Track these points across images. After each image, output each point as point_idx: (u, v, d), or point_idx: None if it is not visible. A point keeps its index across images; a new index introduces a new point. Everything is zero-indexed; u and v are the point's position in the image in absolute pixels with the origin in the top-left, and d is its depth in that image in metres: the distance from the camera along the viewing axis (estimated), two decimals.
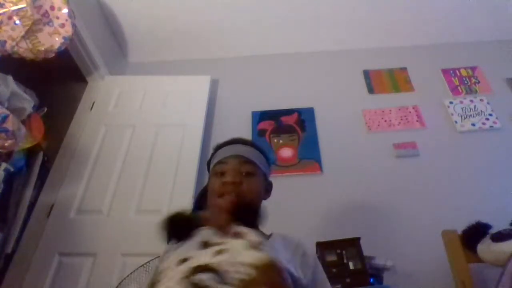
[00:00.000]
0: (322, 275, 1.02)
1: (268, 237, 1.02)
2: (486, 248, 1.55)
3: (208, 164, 1.16)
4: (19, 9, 1.65)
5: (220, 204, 0.97)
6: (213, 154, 1.13)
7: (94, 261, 1.92)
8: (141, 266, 1.64)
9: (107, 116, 2.49)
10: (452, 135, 2.51)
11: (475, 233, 1.63)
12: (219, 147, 1.13)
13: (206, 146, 2.47)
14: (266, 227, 1.06)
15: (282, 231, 1.08)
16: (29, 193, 1.95)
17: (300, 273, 0.94)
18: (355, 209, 2.19)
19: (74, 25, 1.85)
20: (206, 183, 1.14)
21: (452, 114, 2.59)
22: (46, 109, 2.01)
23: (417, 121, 2.58)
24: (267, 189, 1.11)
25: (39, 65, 1.84)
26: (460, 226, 1.69)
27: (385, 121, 2.59)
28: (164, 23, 2.87)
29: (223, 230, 0.93)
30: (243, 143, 1.10)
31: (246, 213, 0.99)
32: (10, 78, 1.75)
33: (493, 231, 1.59)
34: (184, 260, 0.84)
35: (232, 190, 0.97)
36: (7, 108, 1.64)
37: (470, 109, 2.61)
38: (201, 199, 1.14)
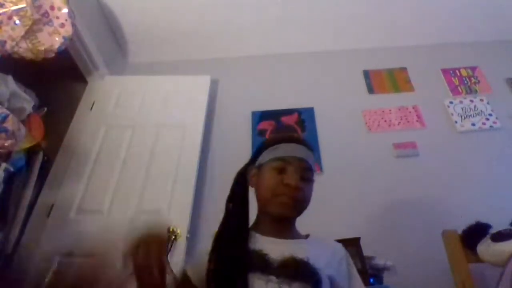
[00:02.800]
0: (358, 282, 1.05)
1: (306, 237, 1.07)
2: (486, 248, 1.55)
3: (259, 152, 1.10)
4: (19, 9, 1.66)
5: (280, 203, 0.98)
6: (272, 143, 1.08)
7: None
8: None
9: (107, 116, 2.49)
10: (452, 135, 2.51)
11: (475, 233, 1.63)
12: (281, 139, 1.09)
13: (206, 146, 2.47)
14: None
15: None
16: (29, 193, 1.95)
17: (339, 278, 0.99)
18: (355, 209, 2.19)
19: (74, 25, 1.86)
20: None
21: (452, 114, 2.59)
22: (46, 109, 2.01)
23: (417, 121, 2.58)
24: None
25: (39, 65, 1.84)
26: (460, 226, 1.69)
27: (385, 121, 2.59)
28: (164, 23, 2.87)
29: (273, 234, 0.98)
30: (306, 146, 1.09)
31: (298, 215, 1.04)
32: (10, 78, 1.75)
33: (493, 231, 1.59)
34: None
35: (292, 195, 0.98)
36: (7, 108, 1.64)
37: (470, 109, 2.61)
38: (241, 189, 1.09)
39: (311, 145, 1.13)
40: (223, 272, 0.91)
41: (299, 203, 1.00)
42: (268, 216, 1.02)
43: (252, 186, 1.08)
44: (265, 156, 1.06)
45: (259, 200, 1.05)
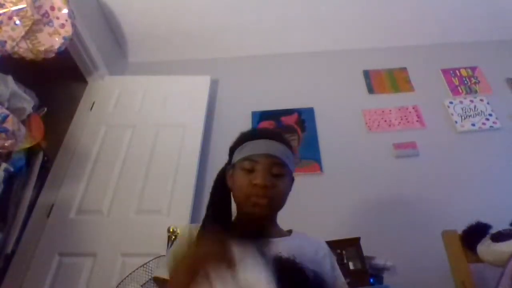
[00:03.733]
0: (340, 275, 1.06)
1: (289, 233, 1.07)
2: (486, 248, 1.55)
3: (232, 150, 1.08)
4: (19, 9, 1.65)
5: (254, 204, 0.96)
6: (240, 142, 1.06)
7: (94, 261, 1.92)
8: (141, 266, 1.64)
9: (107, 116, 2.49)
10: (452, 135, 2.51)
11: (475, 233, 1.63)
12: (248, 137, 1.06)
13: (206, 146, 2.47)
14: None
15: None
16: (29, 193, 1.95)
17: (323, 273, 0.98)
18: (355, 209, 2.19)
19: (74, 25, 1.85)
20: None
21: (452, 114, 2.59)
22: (46, 109, 2.01)
23: (417, 121, 2.58)
24: (290, 186, 1.07)
25: (39, 65, 1.84)
26: (460, 226, 1.70)
27: (385, 121, 2.59)
28: (164, 23, 2.87)
29: (250, 237, 0.94)
30: (274, 139, 1.03)
31: (274, 213, 1.03)
32: (10, 78, 1.75)
33: (493, 231, 1.59)
34: None
35: (263, 194, 0.95)
36: (7, 108, 1.64)
37: (470, 109, 2.61)
38: (220, 190, 1.08)
39: (283, 137, 1.07)
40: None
41: (272, 201, 0.97)
42: (246, 216, 1.00)
43: (231, 188, 1.05)
44: (236, 156, 1.04)
45: (235, 201, 1.03)
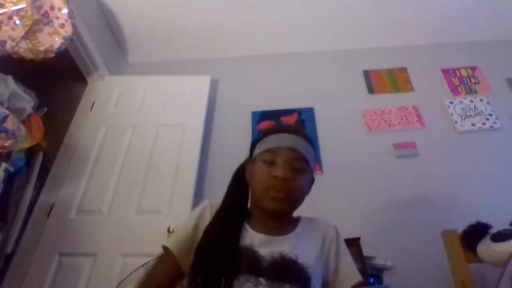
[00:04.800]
0: (347, 259, 1.03)
1: (296, 223, 1.04)
2: (486, 248, 1.55)
3: (253, 146, 1.07)
4: (19, 9, 1.65)
5: (272, 198, 0.94)
6: (263, 136, 1.04)
7: (94, 261, 1.92)
8: (141, 266, 1.64)
9: (107, 116, 2.49)
10: (452, 135, 2.51)
11: (475, 233, 1.63)
12: (271, 131, 1.04)
13: (206, 146, 2.47)
14: None
15: None
16: (29, 193, 1.95)
17: (327, 268, 0.98)
18: (355, 209, 2.19)
19: (74, 25, 1.85)
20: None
21: (452, 114, 2.59)
22: (46, 109, 2.01)
23: (417, 121, 2.58)
24: (310, 185, 1.06)
25: (39, 65, 1.84)
26: (460, 226, 1.69)
27: (385, 121, 2.59)
28: (164, 23, 2.87)
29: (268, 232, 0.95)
30: (298, 134, 1.02)
31: (292, 209, 1.01)
32: (10, 78, 1.75)
33: (493, 231, 1.59)
34: None
35: (282, 187, 0.93)
36: (7, 108, 1.64)
37: (470, 109, 2.61)
38: (238, 184, 1.07)
39: (306, 134, 1.06)
40: (210, 269, 0.88)
41: (291, 196, 0.95)
42: (261, 211, 0.98)
43: (249, 183, 1.04)
44: (257, 149, 1.03)
45: (253, 195, 1.01)
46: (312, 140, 1.07)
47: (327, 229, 1.05)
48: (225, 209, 1.01)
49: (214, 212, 1.01)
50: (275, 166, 0.95)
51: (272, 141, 1.00)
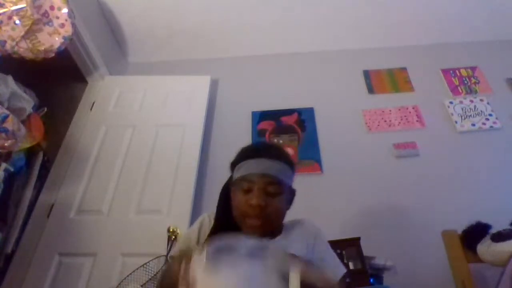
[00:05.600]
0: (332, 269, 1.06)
1: (281, 228, 1.10)
2: (486, 248, 1.55)
3: (233, 166, 1.12)
4: (19, 9, 1.65)
5: (249, 226, 1.02)
6: (239, 160, 1.09)
7: (94, 261, 1.92)
8: (141, 266, 1.65)
9: (107, 116, 2.49)
10: (452, 135, 2.51)
11: (475, 233, 1.63)
12: (246, 155, 1.09)
13: (206, 146, 2.47)
14: None
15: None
16: (29, 193, 1.95)
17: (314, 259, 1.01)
18: (355, 209, 2.19)
19: (74, 25, 1.85)
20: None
21: (452, 114, 2.59)
22: (46, 109, 2.01)
23: (417, 121, 2.58)
24: (290, 199, 1.12)
25: (39, 65, 1.84)
26: (460, 226, 1.70)
27: (385, 121, 2.59)
28: (164, 23, 2.87)
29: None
30: (272, 157, 1.06)
31: (271, 231, 1.06)
32: (10, 78, 1.75)
33: (493, 231, 1.59)
34: None
35: (258, 215, 1.00)
36: (7, 108, 1.64)
37: (470, 109, 2.61)
38: (225, 201, 1.13)
39: (280, 153, 1.10)
40: None
41: (268, 220, 1.01)
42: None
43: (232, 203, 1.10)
44: (235, 173, 1.09)
45: (235, 218, 1.07)
46: (287, 157, 1.11)
47: (309, 228, 1.13)
48: (217, 225, 1.09)
49: (212, 222, 1.11)
50: (251, 194, 1.01)
51: (247, 168, 1.05)
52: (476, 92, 2.73)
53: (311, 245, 1.07)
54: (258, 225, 1.00)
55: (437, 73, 2.87)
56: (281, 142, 2.52)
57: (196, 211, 2.10)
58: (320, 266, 1.02)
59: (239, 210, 1.04)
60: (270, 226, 1.05)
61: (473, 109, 2.61)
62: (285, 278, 0.84)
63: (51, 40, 1.79)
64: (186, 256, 0.90)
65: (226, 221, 1.08)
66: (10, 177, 1.79)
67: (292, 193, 1.12)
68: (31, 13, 1.68)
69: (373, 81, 2.85)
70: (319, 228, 1.14)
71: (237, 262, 0.82)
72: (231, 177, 1.13)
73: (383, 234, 2.06)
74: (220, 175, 1.19)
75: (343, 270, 1.09)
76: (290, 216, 1.13)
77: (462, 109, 2.61)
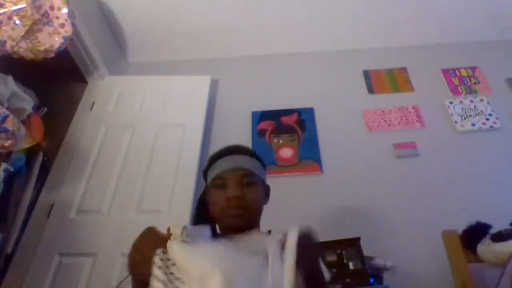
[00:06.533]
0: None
1: (268, 234, 1.07)
2: (486, 248, 1.55)
3: (205, 174, 1.16)
4: (19, 9, 1.66)
5: (231, 216, 1.01)
6: (209, 165, 1.14)
7: (94, 261, 1.92)
8: None
9: (107, 116, 2.49)
10: (452, 135, 2.51)
11: (475, 233, 1.63)
12: (215, 158, 1.13)
13: (206, 146, 2.47)
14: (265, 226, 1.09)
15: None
16: (29, 193, 1.95)
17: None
18: (355, 209, 2.19)
19: (74, 25, 1.85)
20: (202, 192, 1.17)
21: (452, 114, 2.59)
22: (46, 109, 2.01)
23: (417, 121, 2.58)
24: (266, 193, 1.14)
25: (39, 65, 1.84)
26: (460, 226, 1.69)
27: (385, 121, 2.59)
28: (164, 23, 2.87)
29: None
30: (239, 153, 1.11)
31: (252, 222, 1.06)
32: (10, 78, 1.75)
33: (493, 231, 1.59)
34: None
35: (237, 205, 1.01)
36: (7, 108, 1.64)
37: (470, 109, 2.61)
38: (201, 208, 1.16)
39: (248, 149, 1.15)
40: None
41: (247, 210, 1.02)
42: (228, 230, 1.04)
43: (210, 212, 1.10)
44: (208, 178, 1.12)
45: (215, 220, 1.08)
46: (257, 154, 1.14)
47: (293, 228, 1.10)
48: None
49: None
50: (227, 188, 1.03)
51: (219, 166, 1.08)
52: (476, 92, 2.73)
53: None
54: (239, 213, 1.00)
55: (437, 73, 2.87)
56: (281, 142, 2.53)
57: None
58: None
59: (217, 207, 1.04)
60: (251, 217, 1.04)
61: (473, 109, 2.61)
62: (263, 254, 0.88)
63: (51, 40, 1.79)
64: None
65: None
66: (10, 177, 1.79)
67: (267, 188, 1.14)
68: (31, 13, 1.68)
69: (373, 81, 2.85)
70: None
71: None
72: (205, 190, 1.15)
73: (383, 234, 2.06)
74: None
75: (328, 276, 1.06)
76: (290, 215, 1.13)
77: (462, 109, 2.61)
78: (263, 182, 1.12)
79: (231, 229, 1.03)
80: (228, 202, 1.01)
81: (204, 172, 1.17)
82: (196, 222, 1.14)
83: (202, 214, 1.14)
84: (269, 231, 1.09)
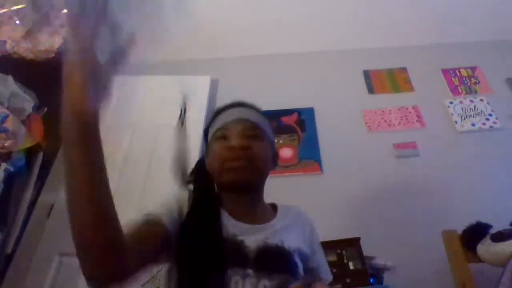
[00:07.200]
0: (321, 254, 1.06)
1: (275, 210, 1.02)
2: (486, 248, 1.55)
3: (206, 132, 1.04)
4: (19, 9, 1.66)
5: (230, 169, 0.89)
6: (212, 120, 1.01)
7: None
8: None
9: (107, 116, 2.49)
10: (452, 135, 2.51)
11: (475, 233, 1.63)
12: (217, 112, 1.01)
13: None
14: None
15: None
16: (29, 193, 1.95)
17: (308, 250, 0.97)
18: (355, 209, 2.19)
19: None
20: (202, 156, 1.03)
21: (452, 114, 2.59)
22: (46, 109, 2.01)
23: (417, 121, 2.58)
24: (274, 158, 1.01)
25: (39, 65, 1.84)
26: (460, 226, 1.69)
27: (385, 121, 2.59)
28: (164, 23, 2.86)
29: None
30: (246, 106, 0.99)
31: (257, 180, 0.94)
32: (10, 78, 1.75)
33: (493, 231, 1.59)
34: None
35: (239, 156, 0.88)
36: (7, 108, 1.65)
37: (470, 109, 2.61)
38: (203, 172, 1.00)
39: (255, 106, 1.03)
40: (199, 267, 0.80)
41: (250, 164, 0.89)
42: (226, 189, 0.93)
43: (210, 171, 0.97)
44: (210, 133, 1.00)
45: (214, 176, 0.96)
46: (261, 111, 1.03)
47: (306, 217, 1.08)
48: (196, 198, 0.95)
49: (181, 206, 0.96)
50: (229, 139, 0.92)
51: (221, 120, 0.97)
52: (476, 92, 2.73)
53: (308, 238, 1.01)
54: (239, 165, 0.87)
55: (437, 73, 2.87)
56: (281, 142, 2.52)
57: None
58: (312, 260, 0.99)
59: (218, 159, 0.91)
60: (254, 173, 0.91)
61: (473, 109, 2.61)
62: None
63: (51, 40, 1.79)
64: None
65: (205, 193, 0.95)
66: (10, 177, 1.79)
67: (275, 153, 1.02)
68: (31, 13, 1.68)
69: (373, 81, 2.85)
70: (313, 221, 1.10)
71: None
72: (205, 152, 1.03)
73: (383, 234, 2.05)
74: None
75: (331, 278, 1.06)
76: None
77: (462, 109, 2.61)
78: (272, 144, 1.00)
79: (232, 189, 0.91)
80: (229, 152, 0.89)
81: (205, 130, 1.05)
82: (202, 197, 0.95)
83: (199, 178, 0.99)
84: (274, 206, 1.02)
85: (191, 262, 0.81)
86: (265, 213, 0.99)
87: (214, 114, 1.02)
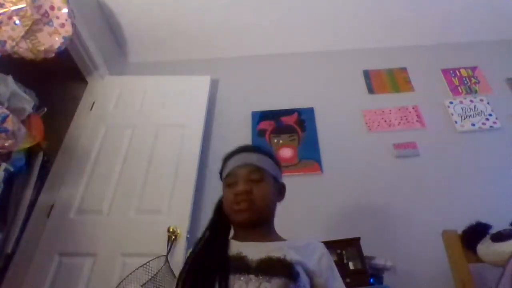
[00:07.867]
0: (339, 279, 1.07)
1: (284, 239, 1.12)
2: (486, 248, 1.55)
3: (221, 174, 1.20)
4: (19, 9, 1.65)
5: (238, 211, 1.05)
6: (223, 165, 1.18)
7: (94, 261, 1.92)
8: (141, 266, 1.64)
9: (107, 116, 2.49)
10: (452, 135, 2.51)
11: (475, 233, 1.63)
12: (227, 157, 1.17)
13: (206, 146, 2.47)
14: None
15: (283, 231, 1.13)
16: (29, 193, 1.95)
17: (319, 273, 1.01)
18: (355, 209, 2.19)
19: (74, 25, 1.85)
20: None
21: (452, 114, 2.59)
22: (46, 109, 2.00)
23: (417, 121, 2.58)
24: (280, 191, 1.16)
25: (39, 65, 1.84)
26: (460, 226, 1.70)
27: (385, 121, 2.59)
28: (164, 23, 2.87)
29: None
30: (250, 151, 1.15)
31: (261, 217, 1.08)
32: (10, 78, 1.75)
33: (493, 231, 1.59)
34: None
35: (243, 200, 1.04)
36: (7, 108, 1.64)
37: (470, 109, 2.61)
38: (220, 209, 1.17)
39: (260, 148, 1.20)
40: (201, 276, 0.96)
41: (254, 204, 1.04)
42: (239, 226, 1.09)
43: (224, 211, 1.13)
44: (223, 178, 1.17)
45: (227, 216, 1.11)
46: (270, 152, 1.20)
47: (317, 244, 1.11)
48: (209, 229, 1.12)
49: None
50: (236, 185, 1.08)
51: (229, 165, 1.13)
52: (476, 92, 2.73)
53: (317, 263, 1.04)
54: (245, 208, 1.03)
55: (437, 73, 2.87)
56: (281, 142, 2.52)
57: (196, 211, 2.10)
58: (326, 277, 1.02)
59: (227, 203, 1.08)
60: (258, 211, 1.06)
61: (473, 109, 2.61)
62: None
63: (51, 40, 1.79)
64: None
65: (218, 226, 1.11)
66: (10, 177, 1.79)
67: (281, 185, 1.17)
68: (31, 13, 1.68)
69: (373, 81, 2.85)
70: (327, 250, 1.12)
71: None
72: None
73: (383, 234, 2.06)
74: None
75: None
76: (290, 215, 1.13)
77: (462, 109, 2.61)
78: (276, 179, 1.14)
79: (241, 226, 1.06)
80: (236, 198, 1.05)
81: (220, 173, 1.21)
82: (213, 227, 1.13)
83: (219, 219, 1.15)
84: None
85: (193, 276, 0.98)
86: (273, 236, 1.12)
87: (224, 159, 1.19)
